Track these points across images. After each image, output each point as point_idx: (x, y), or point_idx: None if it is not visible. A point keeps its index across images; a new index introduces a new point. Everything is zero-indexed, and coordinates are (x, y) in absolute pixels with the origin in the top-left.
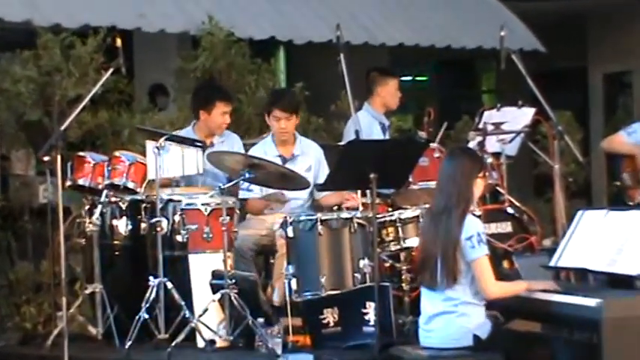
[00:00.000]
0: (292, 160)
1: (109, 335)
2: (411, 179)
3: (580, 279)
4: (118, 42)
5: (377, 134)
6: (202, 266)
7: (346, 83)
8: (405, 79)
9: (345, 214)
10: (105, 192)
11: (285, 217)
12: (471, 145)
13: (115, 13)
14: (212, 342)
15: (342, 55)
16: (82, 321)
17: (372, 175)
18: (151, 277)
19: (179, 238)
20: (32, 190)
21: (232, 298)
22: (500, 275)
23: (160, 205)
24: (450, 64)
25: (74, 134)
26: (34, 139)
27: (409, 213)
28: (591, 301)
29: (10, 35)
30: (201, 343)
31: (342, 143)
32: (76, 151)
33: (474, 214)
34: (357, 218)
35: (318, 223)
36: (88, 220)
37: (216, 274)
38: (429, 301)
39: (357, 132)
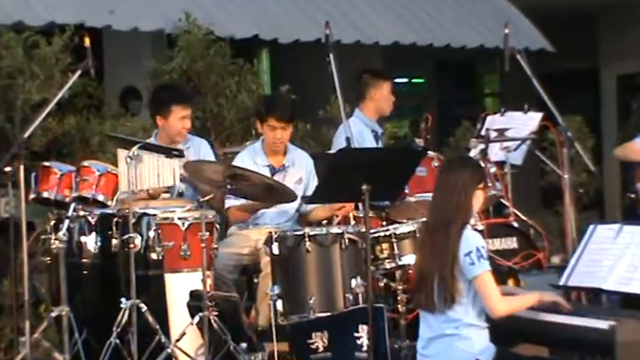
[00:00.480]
0: (282, 172)
1: None
2: (407, 191)
3: (592, 299)
4: (87, 41)
5: (369, 143)
6: (179, 286)
7: (336, 86)
8: (400, 81)
9: (335, 229)
10: (72, 205)
11: (270, 232)
12: (473, 153)
13: (82, 10)
14: None
15: (331, 56)
16: (48, 347)
17: (364, 187)
18: (122, 299)
19: (154, 255)
20: None
21: (212, 321)
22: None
23: (132, 220)
24: (450, 65)
25: (39, 142)
26: None
27: (405, 227)
28: (604, 324)
29: None
30: None
31: (331, 152)
32: (41, 161)
33: (475, 229)
34: (349, 233)
35: (306, 239)
36: (53, 237)
37: (194, 295)
38: (428, 323)
39: (348, 139)
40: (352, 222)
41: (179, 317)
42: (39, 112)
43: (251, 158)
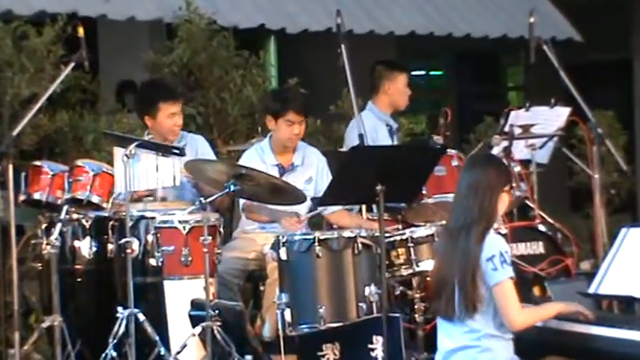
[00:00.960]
0: (291, 171)
1: None
2: (424, 192)
3: (625, 309)
4: (80, 31)
5: (384, 138)
6: (180, 295)
7: (348, 79)
8: (417, 73)
9: (347, 233)
10: (65, 208)
11: (277, 236)
12: (495, 151)
13: None
14: None
15: (342, 47)
16: (39, 359)
17: (379, 187)
18: (119, 308)
19: (153, 261)
20: None
21: (215, 331)
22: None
23: (130, 223)
24: (470, 57)
25: (29, 140)
26: None
27: (423, 231)
28: (637, 335)
29: None
30: None
31: (343, 149)
32: (31, 160)
33: (499, 233)
34: (362, 237)
35: (316, 244)
36: (45, 241)
37: (196, 304)
38: (447, 334)
39: (360, 136)
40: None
41: (180, 328)
42: (29, 107)
43: (259, 157)
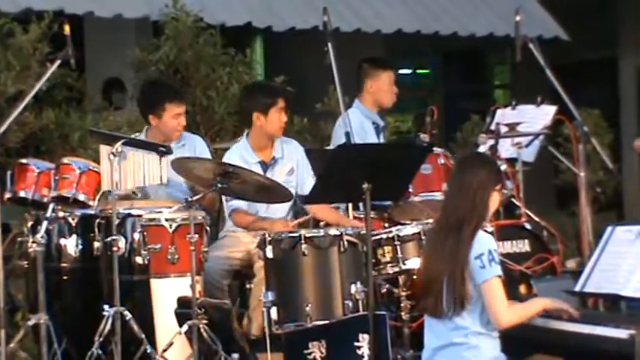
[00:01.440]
0: (273, 165)
1: None
2: (411, 190)
3: (610, 307)
4: (66, 29)
5: (370, 136)
6: (166, 293)
7: (335, 77)
8: (404, 72)
9: (333, 231)
10: (51, 206)
11: (264, 234)
12: (482, 149)
13: None
14: None
15: (329, 45)
16: (25, 358)
17: (365, 185)
18: (105, 306)
19: (139, 259)
20: None
21: (202, 329)
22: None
23: (116, 221)
24: (457, 55)
25: (15, 138)
26: None
27: (409, 229)
28: (623, 333)
29: None
30: None
31: (330, 147)
32: (17, 158)
33: (486, 231)
34: (348, 235)
35: (302, 242)
36: (31, 239)
37: (182, 302)
38: (434, 331)
39: (347, 134)
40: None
41: (166, 326)
42: (15, 105)
43: (240, 157)
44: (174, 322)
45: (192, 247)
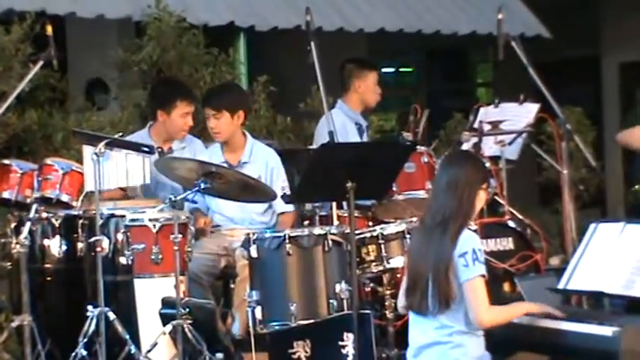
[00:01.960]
0: (238, 168)
1: None
2: (394, 188)
3: (594, 304)
4: (49, 30)
5: (353, 137)
6: (150, 293)
7: (318, 77)
8: (387, 71)
9: (317, 230)
10: (34, 206)
11: (248, 234)
12: (465, 147)
13: None
14: None
15: (312, 44)
16: (8, 359)
17: (349, 184)
18: (89, 307)
19: (123, 260)
20: None
21: (186, 330)
22: (501, 301)
23: (100, 222)
24: (440, 54)
25: None
26: None
27: (393, 228)
28: (607, 330)
29: None
30: None
31: (313, 147)
32: (0, 159)
33: (470, 229)
34: (333, 235)
35: (287, 241)
36: (14, 241)
37: (166, 302)
38: (420, 329)
39: (330, 133)
40: (336, 222)
41: (150, 326)
42: None
43: (208, 156)
44: (159, 322)
45: (176, 247)
